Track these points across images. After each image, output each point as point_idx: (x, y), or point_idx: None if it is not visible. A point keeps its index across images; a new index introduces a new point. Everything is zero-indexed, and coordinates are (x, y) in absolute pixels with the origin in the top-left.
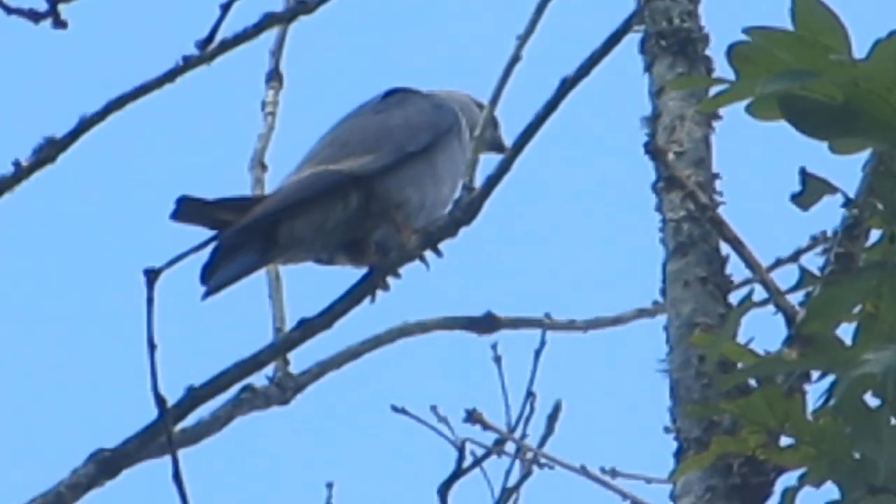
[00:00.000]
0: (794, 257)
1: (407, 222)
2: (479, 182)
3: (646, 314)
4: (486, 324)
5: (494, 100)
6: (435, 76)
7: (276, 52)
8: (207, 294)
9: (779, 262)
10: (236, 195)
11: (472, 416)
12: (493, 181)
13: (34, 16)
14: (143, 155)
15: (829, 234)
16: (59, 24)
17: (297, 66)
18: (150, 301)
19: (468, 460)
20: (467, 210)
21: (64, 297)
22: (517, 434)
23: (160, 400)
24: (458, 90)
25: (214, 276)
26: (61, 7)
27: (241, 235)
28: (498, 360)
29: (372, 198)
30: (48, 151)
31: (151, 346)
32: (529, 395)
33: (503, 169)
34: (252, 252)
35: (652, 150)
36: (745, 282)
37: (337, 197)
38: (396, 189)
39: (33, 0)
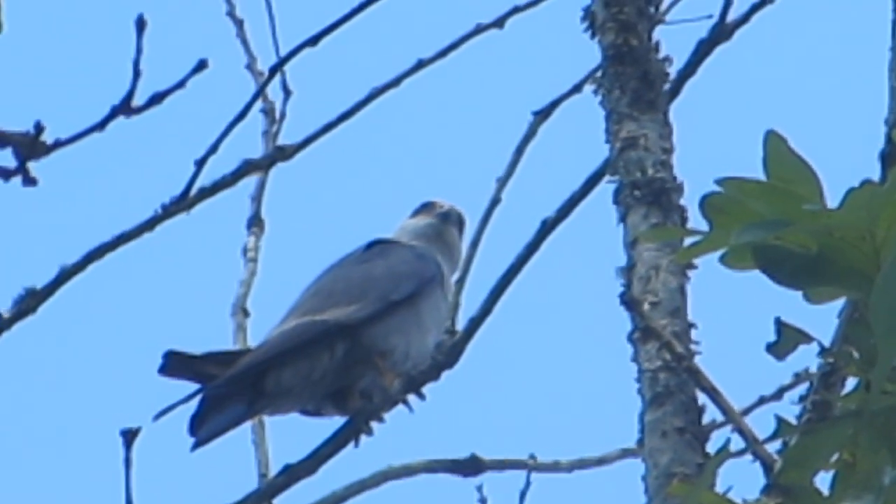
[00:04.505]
0: (778, 395)
1: (391, 368)
2: (461, 325)
3: (630, 454)
4: (471, 466)
5: (475, 242)
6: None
7: (257, 198)
8: (196, 445)
9: (762, 401)
10: (223, 349)
11: None
12: (474, 324)
13: (3, 173)
14: (123, 304)
15: (811, 370)
16: (30, 181)
17: (279, 211)
18: (127, 462)
19: None
20: (450, 353)
21: (44, 454)
22: None
23: None
24: None
25: (203, 428)
26: (31, 165)
27: (228, 386)
28: (483, 501)
29: (358, 347)
30: (28, 302)
31: None
32: None
33: (485, 312)
34: (240, 403)
35: (627, 300)
36: (720, 425)
37: (323, 346)
38: (382, 338)
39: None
